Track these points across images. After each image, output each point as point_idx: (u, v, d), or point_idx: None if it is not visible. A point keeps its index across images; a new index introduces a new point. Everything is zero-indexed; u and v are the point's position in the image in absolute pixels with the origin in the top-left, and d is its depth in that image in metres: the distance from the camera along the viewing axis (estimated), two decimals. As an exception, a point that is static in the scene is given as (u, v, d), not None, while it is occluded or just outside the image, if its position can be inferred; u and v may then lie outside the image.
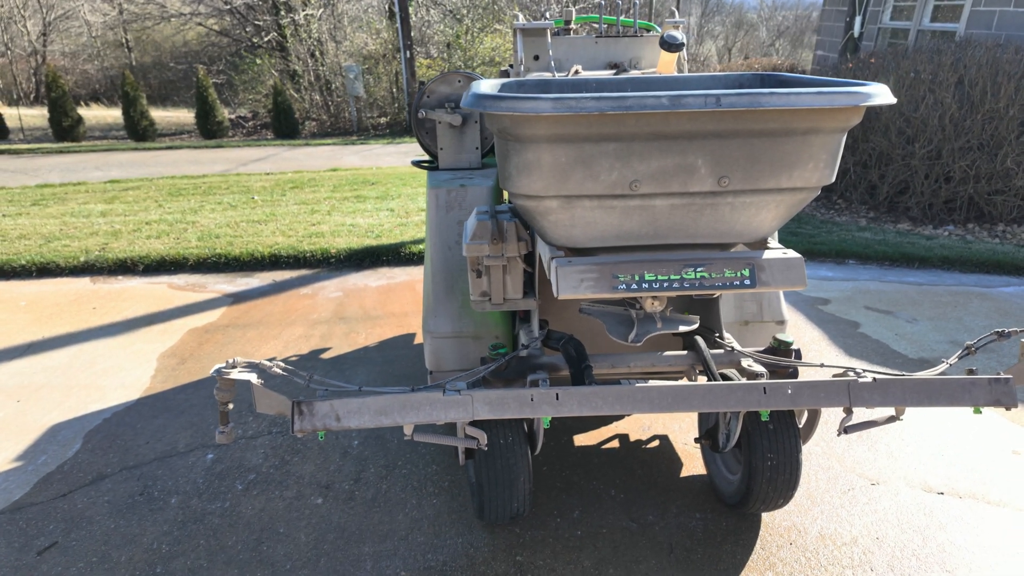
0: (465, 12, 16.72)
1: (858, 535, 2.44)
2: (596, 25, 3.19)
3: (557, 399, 1.95)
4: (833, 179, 1.82)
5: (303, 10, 16.33)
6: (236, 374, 1.94)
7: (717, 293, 1.97)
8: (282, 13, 16.62)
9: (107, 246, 5.57)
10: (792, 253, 1.85)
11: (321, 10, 16.62)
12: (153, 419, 3.20)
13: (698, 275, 1.80)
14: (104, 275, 5.14)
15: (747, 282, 1.80)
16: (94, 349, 3.92)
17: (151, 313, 4.42)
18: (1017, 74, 5.90)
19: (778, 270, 1.81)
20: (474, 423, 2.12)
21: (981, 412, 2.20)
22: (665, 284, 1.80)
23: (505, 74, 3.26)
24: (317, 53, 16.24)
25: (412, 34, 14.27)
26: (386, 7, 17.06)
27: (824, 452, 2.91)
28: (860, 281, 4.90)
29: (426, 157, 3.18)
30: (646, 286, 1.80)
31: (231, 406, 1.98)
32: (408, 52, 14.01)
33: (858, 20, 9.09)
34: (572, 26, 3.16)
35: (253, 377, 1.94)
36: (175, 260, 5.24)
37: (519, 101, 1.58)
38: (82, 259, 5.21)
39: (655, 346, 2.72)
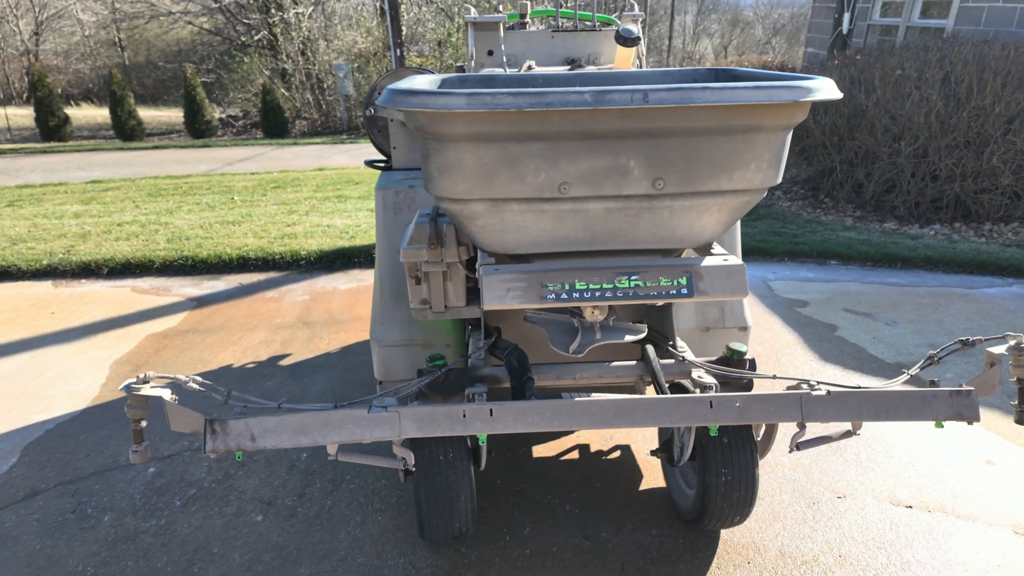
0: (456, 10, 16.58)
1: (819, 553, 2.32)
2: (554, 19, 3.07)
3: (491, 415, 1.83)
4: (779, 180, 1.70)
5: (292, 8, 16.19)
6: (148, 390, 1.82)
7: (660, 302, 1.86)
8: (272, 12, 16.47)
9: (73, 248, 5.44)
10: (734, 260, 1.74)
11: (311, 8, 16.49)
12: (98, 430, 3.08)
13: (632, 284, 1.69)
14: (67, 278, 5.02)
15: (684, 291, 1.69)
16: (47, 356, 3.80)
17: (110, 318, 4.30)
18: (1003, 70, 5.78)
19: (717, 278, 1.70)
20: (414, 440, 2.01)
21: (943, 426, 2.09)
22: (597, 293, 1.69)
23: (461, 70, 3.15)
24: (308, 52, 16.11)
25: (403, 32, 14.14)
26: (378, 5, 16.92)
27: (791, 463, 2.80)
28: (841, 282, 4.79)
29: (380, 157, 3.06)
30: (577, 296, 1.69)
31: (144, 423, 1.86)
32: (399, 50, 13.87)
33: (846, 17, 8.97)
34: (527, 20, 3.05)
35: (166, 393, 1.83)
36: (141, 263, 5.12)
37: (431, 96, 1.47)
38: (45, 262, 5.08)
39: (612, 355, 2.61)
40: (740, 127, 1.56)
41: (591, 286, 1.69)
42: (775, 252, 5.31)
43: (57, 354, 3.82)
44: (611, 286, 1.69)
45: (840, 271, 5.03)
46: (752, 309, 4.34)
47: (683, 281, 1.69)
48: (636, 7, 2.91)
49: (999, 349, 1.93)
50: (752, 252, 5.35)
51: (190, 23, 19.90)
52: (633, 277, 1.69)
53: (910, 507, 2.54)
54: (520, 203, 1.66)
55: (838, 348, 3.79)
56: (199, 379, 1.87)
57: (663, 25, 22.26)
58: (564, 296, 1.69)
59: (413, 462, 1.95)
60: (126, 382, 1.79)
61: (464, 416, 1.82)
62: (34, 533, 2.45)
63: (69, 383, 3.50)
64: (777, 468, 2.77)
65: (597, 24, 2.97)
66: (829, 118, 6.84)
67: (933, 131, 6.01)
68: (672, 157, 1.59)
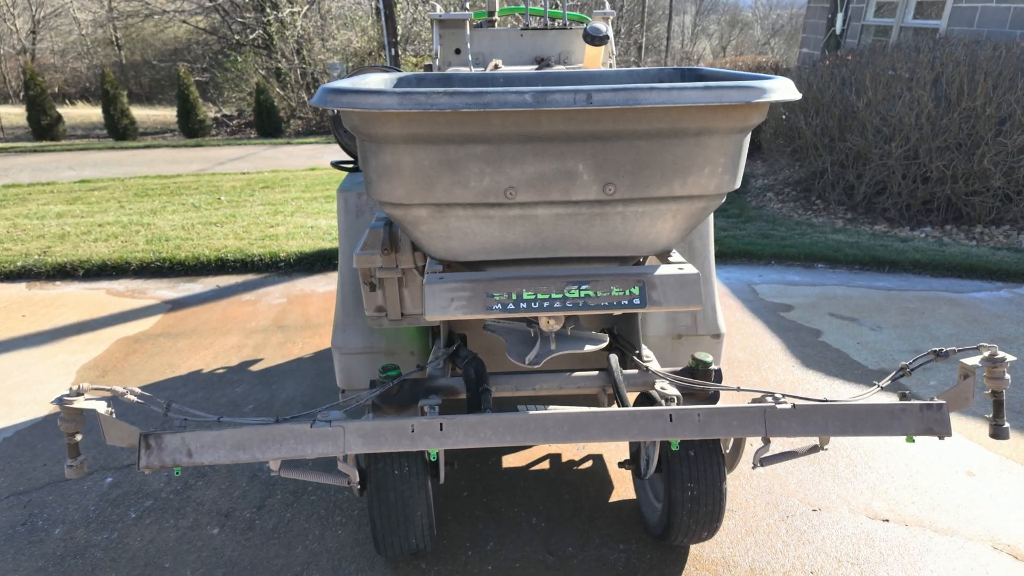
0: (454, 10, 16.49)
1: (791, 569, 2.24)
2: (540, 17, 2.98)
3: (441, 430, 1.75)
4: (737, 185, 1.63)
5: (287, 7, 16.12)
6: (82, 402, 1.75)
7: (616, 312, 1.78)
8: (267, 11, 16.39)
9: (50, 249, 5.36)
10: (689, 269, 1.66)
11: (306, 7, 16.41)
12: (57, 439, 3.00)
13: (582, 294, 1.61)
14: (42, 280, 4.94)
15: (636, 301, 1.61)
16: (12, 361, 3.72)
17: (82, 321, 4.22)
18: (995, 71, 5.70)
19: (671, 288, 1.62)
20: (369, 454, 1.93)
21: (914, 441, 2.01)
22: (545, 304, 1.61)
23: (428, 69, 3.07)
24: (303, 51, 16.03)
25: (399, 32, 14.05)
26: (373, 5, 16.85)
27: (766, 474, 2.72)
28: (827, 286, 4.71)
29: (347, 158, 2.98)
30: (524, 306, 1.61)
31: (79, 437, 1.78)
32: (393, 49, 13.79)
33: (840, 17, 8.88)
34: (496, 18, 2.97)
35: (101, 406, 1.75)
36: (117, 264, 5.04)
37: (362, 96, 1.39)
38: (19, 263, 5.00)
39: (578, 364, 2.53)
40: (691, 130, 1.48)
41: (540, 296, 1.61)
42: (762, 255, 5.23)
43: (24, 359, 3.75)
44: (560, 296, 1.61)
45: (827, 274, 4.95)
46: (735, 314, 4.26)
47: (635, 291, 1.61)
48: (608, 5, 2.83)
49: (973, 360, 1.85)
50: (739, 255, 5.27)
51: (185, 22, 19.83)
52: (583, 287, 1.61)
53: (887, 521, 2.46)
54: (465, 208, 1.58)
55: (821, 354, 3.71)
56: (138, 390, 1.79)
57: (661, 25, 22.17)
58: (511, 306, 1.61)
59: (357, 480, 1.87)
60: (58, 395, 1.71)
61: (412, 431, 1.75)
62: (-20, 547, 2.37)
63: (32, 389, 3.42)
64: (752, 480, 2.69)
65: (568, 22, 2.90)
66: (820, 119, 6.77)
67: (924, 132, 5.93)
68: (622, 161, 1.51)
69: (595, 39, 2.42)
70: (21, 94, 20.49)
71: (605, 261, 1.75)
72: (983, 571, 2.23)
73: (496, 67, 2.65)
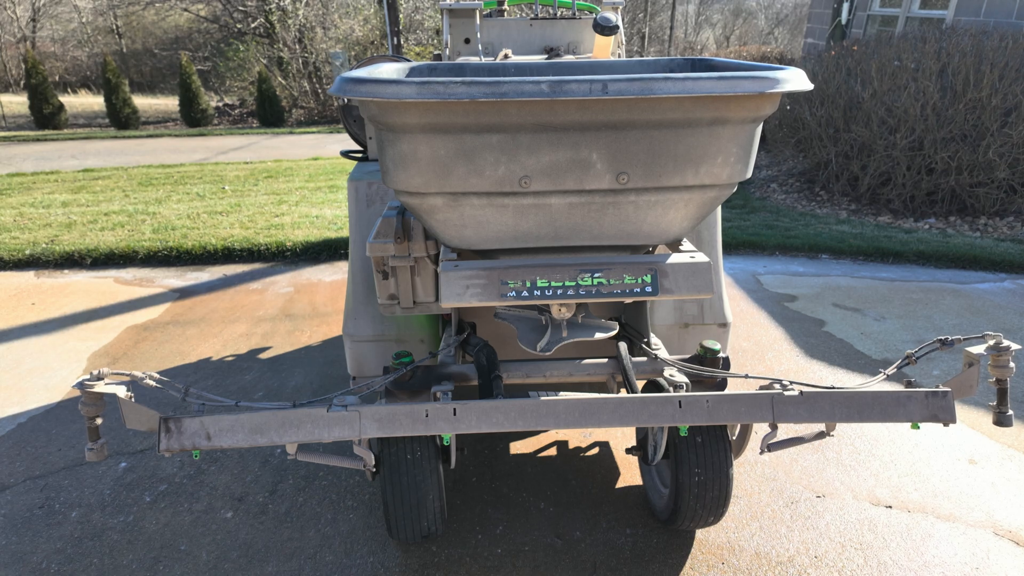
0: (461, -1, 16.38)
1: (795, 554, 2.28)
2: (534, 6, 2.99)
3: (454, 415, 1.79)
4: (748, 175, 1.65)
5: (289, -5, 16.03)
6: (102, 387, 1.78)
7: (627, 300, 1.81)
8: (269, -2, 16.31)
9: (57, 238, 5.39)
10: (701, 257, 1.68)
11: (308, -5, 16.32)
12: (71, 424, 3.04)
13: (595, 281, 1.63)
14: (50, 269, 4.97)
15: (648, 289, 1.63)
16: (23, 348, 3.75)
17: (91, 309, 4.26)
18: (1001, 62, 5.69)
19: (683, 277, 1.65)
20: (382, 438, 1.97)
21: (919, 428, 2.04)
22: (559, 291, 1.64)
23: (438, 59, 3.08)
24: (305, 40, 15.97)
25: (401, 20, 14.00)
26: (375, -7, 16.76)
27: (770, 461, 2.75)
28: (831, 277, 4.73)
29: (356, 147, 3.00)
30: (538, 293, 1.63)
31: (100, 420, 1.81)
32: (395, 38, 13.74)
33: (846, 7, 8.85)
34: (505, 7, 2.97)
35: (121, 390, 1.78)
36: (125, 253, 5.07)
37: (380, 85, 1.41)
38: (28, 252, 5.03)
39: (587, 352, 2.57)
40: (705, 119, 1.50)
41: (553, 284, 1.64)
42: (766, 246, 5.25)
43: (35, 346, 3.78)
44: (574, 284, 1.64)
45: (831, 265, 4.97)
46: (740, 304, 4.29)
47: (648, 279, 1.64)
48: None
49: (978, 349, 1.88)
50: (743, 246, 5.29)
51: (186, 10, 19.75)
52: (596, 274, 1.64)
53: (890, 507, 2.50)
54: (479, 197, 1.60)
55: (825, 344, 3.74)
56: (156, 375, 1.82)
57: (665, 15, 22.06)
58: (525, 294, 1.64)
59: (373, 463, 1.90)
60: (79, 379, 1.74)
61: (426, 416, 1.78)
62: (-1, 529, 2.42)
63: (44, 376, 3.46)
64: (757, 466, 2.73)
65: (577, 12, 2.90)
66: (825, 109, 6.76)
67: (929, 123, 5.93)
68: (635, 150, 1.53)
69: (605, 29, 2.43)
70: (22, 83, 20.45)
71: (617, 250, 1.78)
72: (984, 556, 2.27)
73: (506, 57, 2.66)
